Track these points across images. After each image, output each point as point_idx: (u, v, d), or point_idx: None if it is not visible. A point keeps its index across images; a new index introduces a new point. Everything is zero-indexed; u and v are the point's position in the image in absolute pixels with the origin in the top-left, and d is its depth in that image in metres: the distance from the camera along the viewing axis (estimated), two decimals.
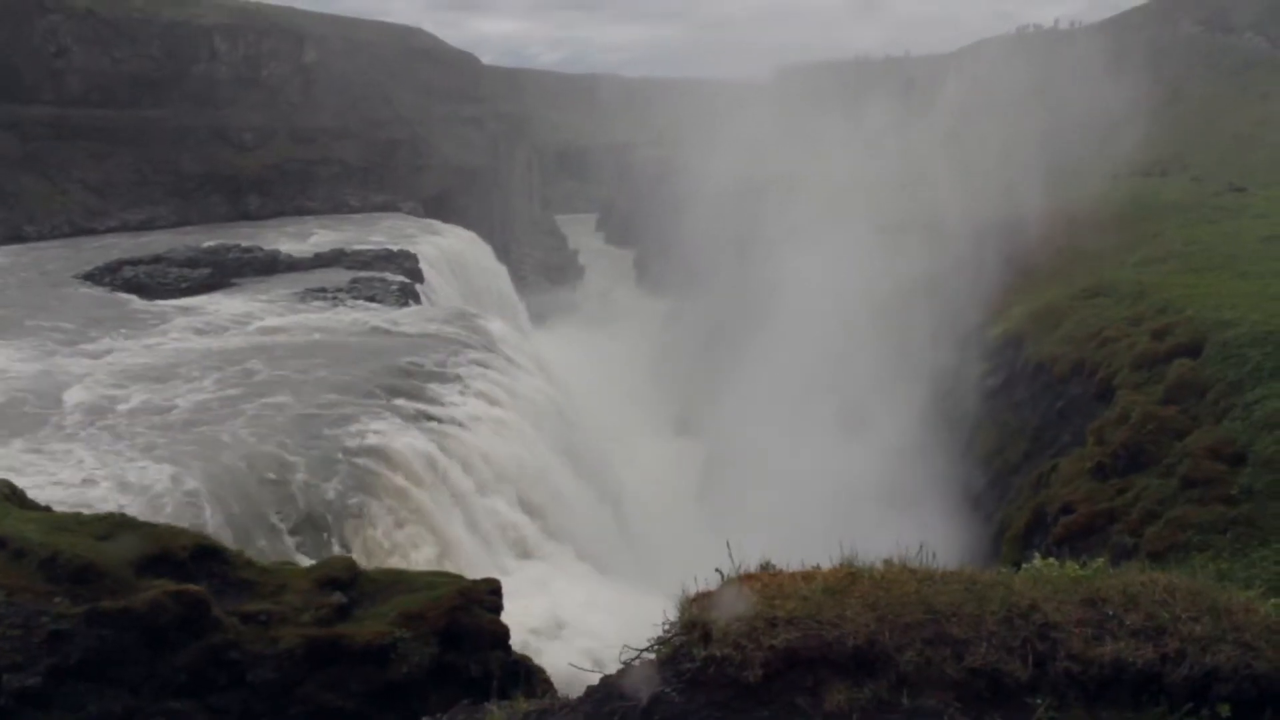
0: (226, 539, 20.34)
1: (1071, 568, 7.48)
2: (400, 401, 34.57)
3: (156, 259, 59.15)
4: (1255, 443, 22.13)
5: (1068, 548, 22.71)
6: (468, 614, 11.37)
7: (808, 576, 7.22)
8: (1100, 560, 7.70)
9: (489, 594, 11.73)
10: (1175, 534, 20.94)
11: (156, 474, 26.29)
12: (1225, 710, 6.22)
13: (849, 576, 7.16)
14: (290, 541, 25.52)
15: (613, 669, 7.12)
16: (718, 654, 6.51)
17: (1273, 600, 7.07)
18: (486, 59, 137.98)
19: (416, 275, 61.78)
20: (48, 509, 12.24)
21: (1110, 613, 6.74)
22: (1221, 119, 63.72)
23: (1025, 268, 43.78)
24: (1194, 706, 6.26)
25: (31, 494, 13.97)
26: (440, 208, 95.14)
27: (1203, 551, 19.49)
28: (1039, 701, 6.32)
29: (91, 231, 73.04)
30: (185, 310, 49.40)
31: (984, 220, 48.33)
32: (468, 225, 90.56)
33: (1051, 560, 7.75)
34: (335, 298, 52.66)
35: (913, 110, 71.20)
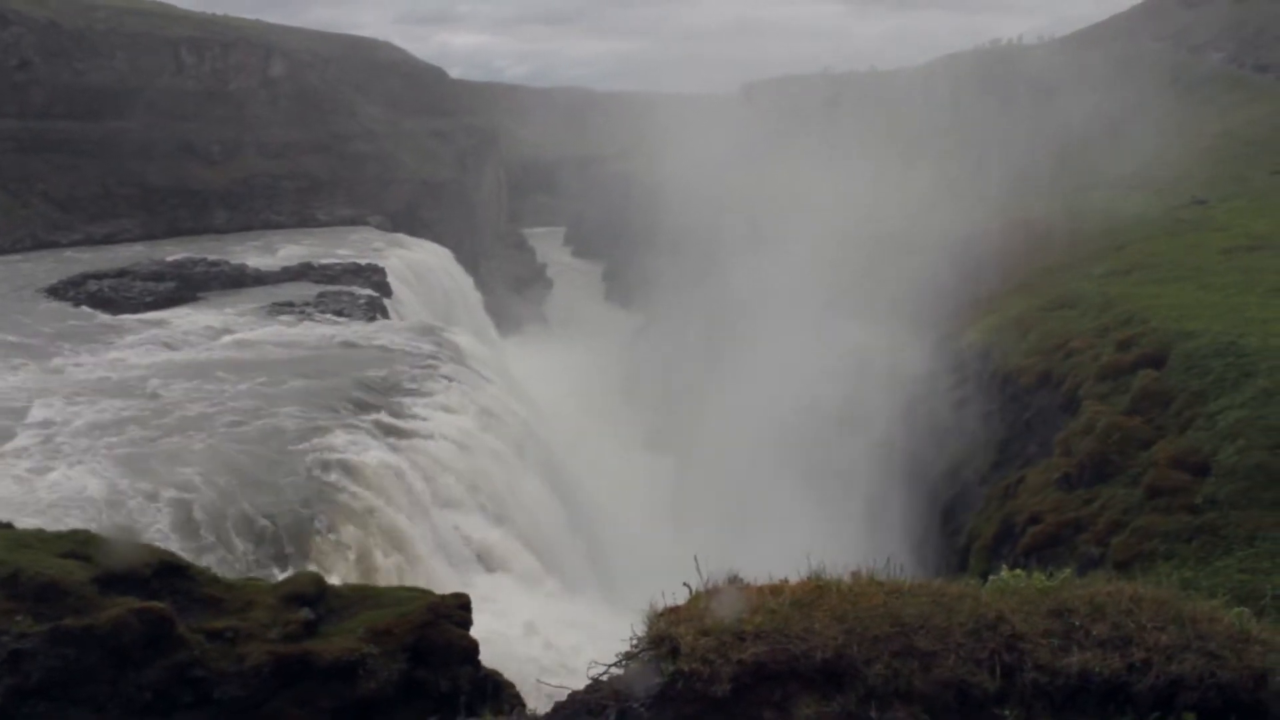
0: (192, 555, 20.17)
1: (1038, 579, 7.52)
2: (367, 416, 34.42)
3: (121, 273, 58.69)
4: (1219, 452, 22.34)
5: (1035, 558, 22.87)
6: (436, 629, 11.28)
7: (775, 590, 7.22)
8: (1067, 571, 7.74)
9: (458, 609, 11.65)
10: (1141, 543, 21.10)
11: (121, 490, 26.03)
12: (1191, 718, 6.26)
13: (817, 589, 7.16)
14: (257, 557, 25.32)
15: (581, 684, 7.09)
16: (686, 669, 6.49)
17: (1236, 609, 7.13)
18: (454, 72, 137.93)
19: (384, 289, 61.61)
20: (9, 525, 12.08)
21: (1077, 623, 6.78)
22: (1184, 133, 64.46)
23: (991, 280, 44.10)
24: (1160, 715, 6.30)
25: None
26: (408, 221, 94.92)
27: (1168, 560, 19.66)
28: (1007, 713, 6.34)
29: (55, 245, 72.37)
30: (151, 324, 48.99)
31: (951, 233, 48.67)
32: (436, 239, 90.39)
33: (1018, 571, 7.79)
34: (303, 311, 52.40)
35: (879, 124, 71.65)
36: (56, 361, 40.28)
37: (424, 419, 35.95)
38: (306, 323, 50.15)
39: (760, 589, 7.26)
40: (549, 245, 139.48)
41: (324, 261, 66.75)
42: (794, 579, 7.42)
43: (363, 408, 35.17)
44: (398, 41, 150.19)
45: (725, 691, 6.40)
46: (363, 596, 12.03)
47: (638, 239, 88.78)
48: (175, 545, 21.99)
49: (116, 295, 54.25)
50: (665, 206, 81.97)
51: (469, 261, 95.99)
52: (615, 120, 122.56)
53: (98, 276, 57.56)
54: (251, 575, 21.71)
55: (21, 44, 78.26)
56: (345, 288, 58.81)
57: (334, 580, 14.83)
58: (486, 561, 32.20)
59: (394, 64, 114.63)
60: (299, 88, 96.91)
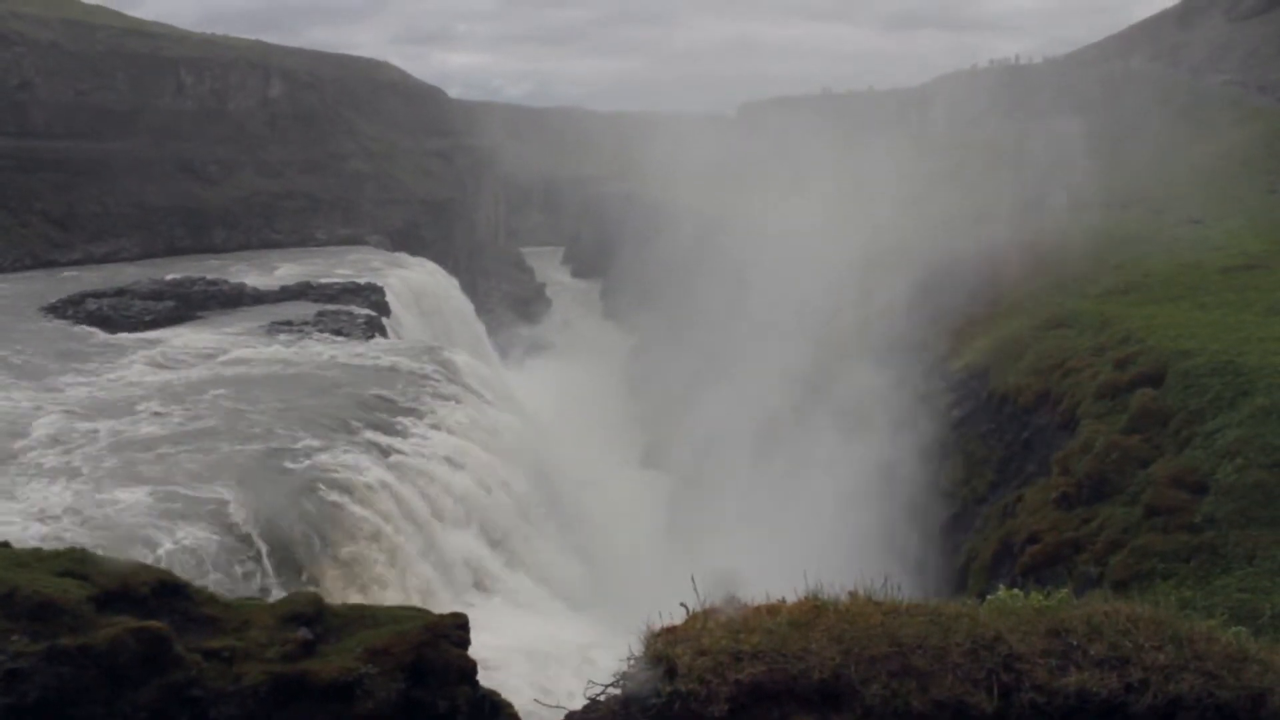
0: (190, 574, 20.13)
1: (1036, 598, 7.51)
2: (366, 435, 34.39)
3: (120, 292, 58.69)
4: (1217, 471, 22.33)
5: (1034, 577, 22.81)
6: (435, 649, 11.24)
7: (773, 609, 7.22)
8: (1064, 591, 7.74)
9: (456, 628, 11.60)
10: (1139, 562, 21.06)
11: (120, 508, 26.00)
12: None
13: (814, 609, 7.16)
14: (255, 576, 25.27)
15: (578, 704, 7.09)
16: (683, 689, 6.48)
17: (1234, 628, 7.13)
18: (452, 92, 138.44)
19: (383, 308, 61.61)
20: (6, 544, 12.07)
21: (1074, 643, 6.77)
22: (1178, 153, 64.62)
23: (988, 299, 44.13)
24: None
25: None
26: (407, 241, 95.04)
27: (1166, 579, 19.62)
28: None
29: (54, 264, 72.42)
30: (149, 343, 48.96)
31: (947, 253, 48.73)
32: (434, 258, 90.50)
33: (1016, 591, 7.79)
34: (301, 331, 52.37)
35: (876, 144, 71.86)
36: (55, 380, 40.25)
37: (422, 438, 35.94)
38: (305, 342, 50.11)
39: (757, 608, 7.26)
40: (547, 264, 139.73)
41: (322, 281, 66.78)
42: (791, 598, 7.41)
43: (362, 427, 35.15)
44: (396, 61, 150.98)
45: (723, 712, 6.39)
46: (360, 616, 12.01)
47: (635, 258, 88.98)
48: (172, 564, 21.95)
49: (115, 314, 54.24)
50: (663, 225, 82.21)
51: (468, 281, 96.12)
52: (613, 140, 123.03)
53: (96, 295, 57.56)
54: (249, 594, 21.67)
55: (23, 64, 78.48)
56: (344, 307, 58.78)
57: (332, 599, 14.82)
58: (484, 580, 32.16)
59: (392, 84, 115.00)
60: (298, 108, 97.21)
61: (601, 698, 6.93)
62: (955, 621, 6.96)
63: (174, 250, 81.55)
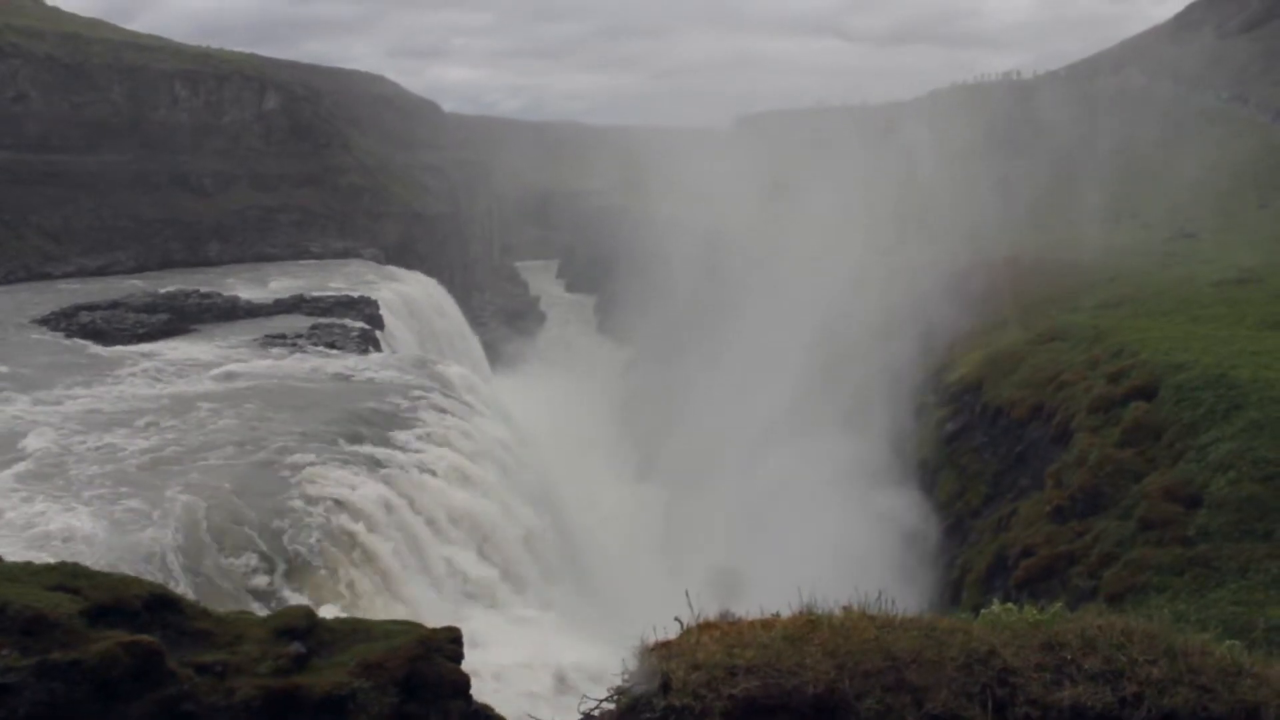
0: (182, 588, 20.06)
1: (1030, 612, 7.50)
2: (359, 448, 34.33)
3: (114, 304, 58.61)
4: (1210, 484, 22.35)
5: (1028, 590, 22.84)
6: (428, 663, 11.18)
7: (767, 624, 7.20)
8: (1058, 604, 7.73)
9: (450, 643, 11.55)
10: (1133, 576, 21.07)
11: (110, 522, 25.92)
12: None
13: (808, 624, 7.14)
14: (248, 590, 25.20)
15: (572, 719, 7.06)
16: (677, 704, 6.46)
17: (1228, 642, 7.12)
18: (447, 106, 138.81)
19: (377, 322, 61.56)
20: None
21: (1068, 657, 6.76)
22: (1171, 167, 64.86)
23: (982, 313, 44.22)
24: None
25: None
26: (401, 254, 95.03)
27: (1161, 593, 19.63)
28: None
29: (48, 276, 72.28)
30: (143, 356, 48.88)
31: (941, 266, 48.84)
32: (429, 272, 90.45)
33: (1010, 605, 7.78)
34: (295, 344, 52.30)
35: (871, 158, 72.05)
36: (47, 393, 40.13)
37: (416, 452, 35.87)
38: (298, 355, 50.04)
39: (751, 622, 7.24)
40: (542, 278, 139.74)
41: (316, 294, 66.66)
42: (785, 612, 7.39)
43: (355, 440, 35.08)
44: (391, 75, 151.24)
45: None
46: (353, 630, 11.95)
47: (630, 272, 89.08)
48: (165, 578, 21.89)
49: (109, 327, 54.13)
50: (658, 239, 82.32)
51: (462, 294, 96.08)
52: (608, 154, 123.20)
53: (90, 308, 57.46)
54: (242, 609, 21.60)
55: (19, 76, 78.53)
56: (338, 320, 58.73)
57: (325, 613, 14.77)
58: (478, 594, 32.07)
59: (387, 98, 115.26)
60: (293, 121, 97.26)
61: (596, 713, 6.91)
62: (950, 635, 6.95)
63: (168, 263, 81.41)
